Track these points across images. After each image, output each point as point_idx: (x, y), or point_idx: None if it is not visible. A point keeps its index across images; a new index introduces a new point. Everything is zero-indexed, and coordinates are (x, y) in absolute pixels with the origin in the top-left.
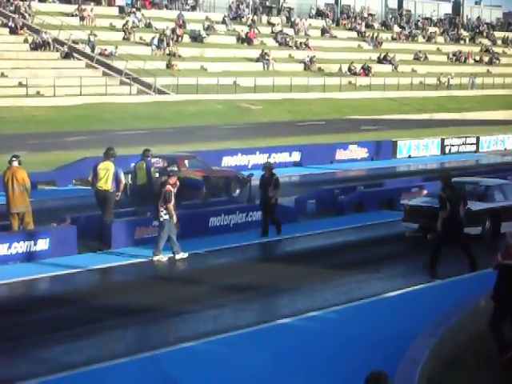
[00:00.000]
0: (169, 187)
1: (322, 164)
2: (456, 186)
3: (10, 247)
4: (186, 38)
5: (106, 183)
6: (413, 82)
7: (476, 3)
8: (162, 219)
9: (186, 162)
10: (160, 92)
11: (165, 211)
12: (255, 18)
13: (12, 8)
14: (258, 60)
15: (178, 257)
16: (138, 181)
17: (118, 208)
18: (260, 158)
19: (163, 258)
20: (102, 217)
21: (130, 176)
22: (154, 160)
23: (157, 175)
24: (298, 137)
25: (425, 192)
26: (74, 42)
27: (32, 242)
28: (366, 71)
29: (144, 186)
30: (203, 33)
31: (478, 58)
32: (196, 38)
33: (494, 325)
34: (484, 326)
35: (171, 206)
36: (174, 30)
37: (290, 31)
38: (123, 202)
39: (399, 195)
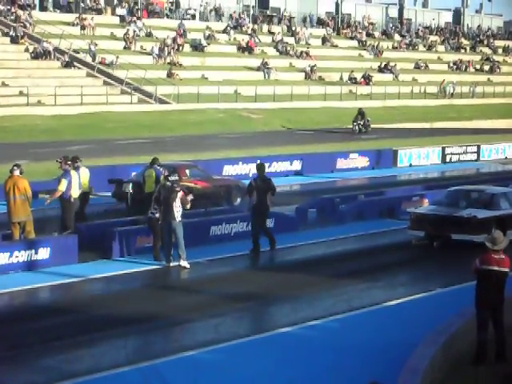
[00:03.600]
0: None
1: (322, 173)
2: (267, 177)
3: (11, 256)
4: (187, 47)
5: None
6: (413, 91)
7: (477, 12)
8: (178, 220)
9: (187, 170)
10: (161, 101)
11: (181, 211)
12: (256, 26)
13: (13, 17)
14: (258, 69)
15: (182, 263)
16: (146, 189)
17: (121, 217)
18: None
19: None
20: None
21: (130, 185)
22: (161, 168)
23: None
24: (299, 146)
25: (426, 201)
26: (74, 51)
27: (33, 251)
28: (367, 80)
29: (152, 194)
30: (204, 42)
31: (478, 66)
32: (197, 47)
33: (479, 327)
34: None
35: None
36: (174, 39)
37: (291, 40)
38: (126, 211)
39: (400, 204)
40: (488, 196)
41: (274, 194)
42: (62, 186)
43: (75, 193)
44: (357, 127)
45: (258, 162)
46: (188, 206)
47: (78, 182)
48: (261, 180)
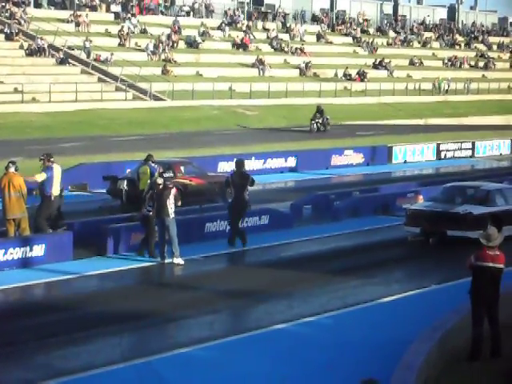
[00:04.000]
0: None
1: (317, 169)
2: (246, 173)
3: (5, 253)
4: (182, 44)
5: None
6: (408, 88)
7: (471, 8)
8: (171, 216)
9: (182, 167)
10: (155, 98)
11: (174, 208)
12: (250, 23)
13: (7, 14)
14: (253, 66)
15: (175, 260)
16: (141, 186)
17: (116, 213)
18: (256, 164)
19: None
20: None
21: (125, 182)
22: (155, 165)
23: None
24: (294, 142)
25: (420, 197)
26: (69, 47)
27: (28, 248)
28: (362, 76)
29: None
30: (198, 38)
31: (473, 63)
32: (191, 44)
33: (475, 323)
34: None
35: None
36: (169, 36)
37: (286, 37)
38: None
39: (395, 200)
40: (483, 192)
41: (252, 185)
42: (39, 177)
43: (56, 191)
44: (315, 125)
45: (238, 160)
46: (179, 203)
47: (59, 180)
48: (238, 176)
